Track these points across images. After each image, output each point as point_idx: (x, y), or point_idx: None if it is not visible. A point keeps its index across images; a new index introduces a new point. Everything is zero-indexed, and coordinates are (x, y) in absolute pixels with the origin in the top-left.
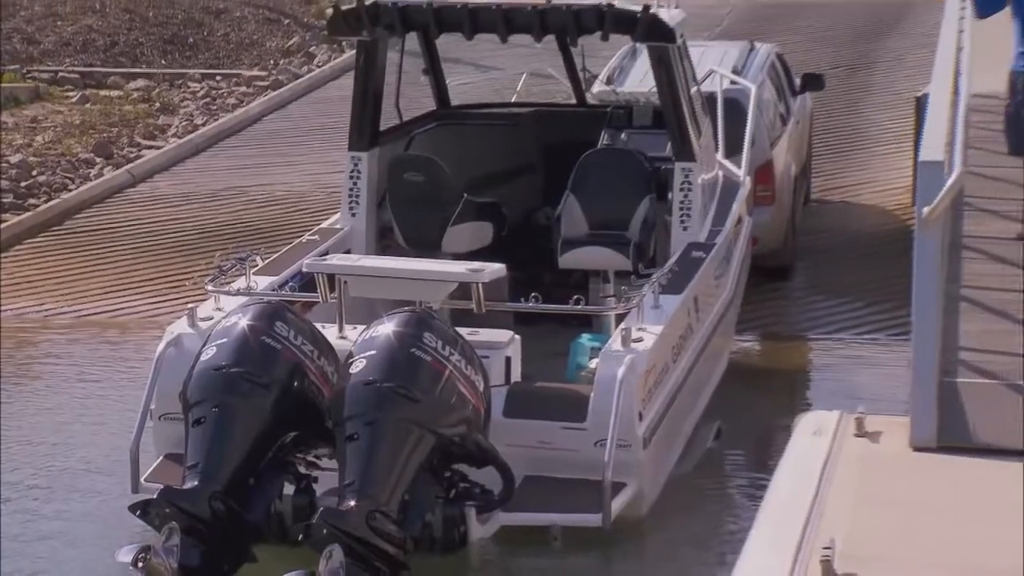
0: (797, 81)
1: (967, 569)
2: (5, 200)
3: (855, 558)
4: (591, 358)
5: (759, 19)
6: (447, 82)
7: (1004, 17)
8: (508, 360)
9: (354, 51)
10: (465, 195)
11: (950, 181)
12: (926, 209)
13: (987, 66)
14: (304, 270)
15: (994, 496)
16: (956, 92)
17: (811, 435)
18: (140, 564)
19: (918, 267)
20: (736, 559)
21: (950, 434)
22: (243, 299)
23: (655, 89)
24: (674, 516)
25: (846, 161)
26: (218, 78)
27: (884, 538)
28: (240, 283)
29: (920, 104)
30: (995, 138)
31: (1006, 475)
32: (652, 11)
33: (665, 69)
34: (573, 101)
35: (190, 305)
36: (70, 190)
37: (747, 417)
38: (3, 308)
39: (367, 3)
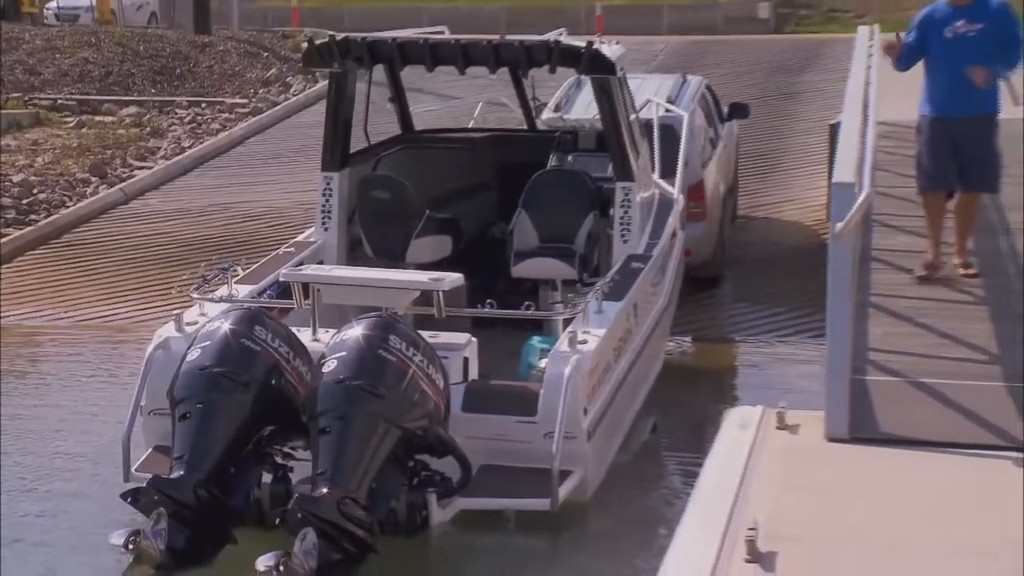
0: (725, 109)
1: (877, 548)
2: (8, 216)
3: (776, 538)
4: (541, 358)
5: (690, 54)
6: (411, 109)
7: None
8: (466, 360)
9: (327, 81)
10: (427, 211)
11: (860, 200)
12: (839, 225)
13: (894, 92)
14: (281, 279)
15: (901, 482)
16: (865, 120)
17: (737, 428)
18: (131, 546)
19: (832, 276)
20: (671, 538)
21: (861, 426)
22: (225, 305)
23: (598, 116)
24: (615, 500)
25: (769, 182)
26: (203, 105)
27: (802, 520)
28: (223, 291)
29: (833, 131)
30: (900, 161)
31: (912, 463)
32: (595, 46)
33: (607, 98)
34: (524, 127)
35: (177, 311)
36: (68, 207)
37: (680, 411)
38: (6, 314)
39: (338, 38)
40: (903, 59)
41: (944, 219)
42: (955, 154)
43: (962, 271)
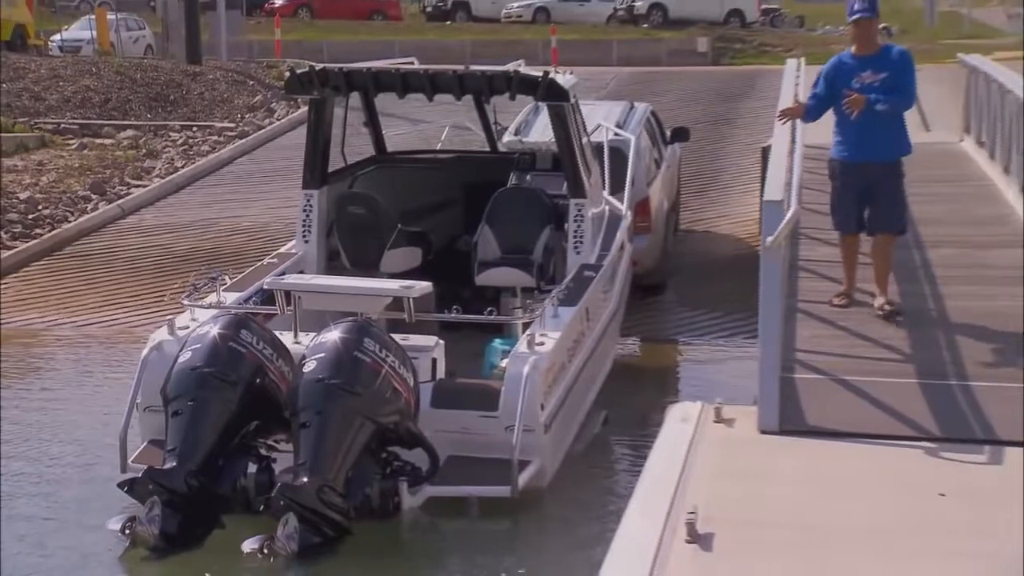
0: (668, 133)
1: (804, 528)
2: (15, 230)
3: (714, 520)
4: (502, 358)
5: (637, 83)
6: (384, 132)
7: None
8: (434, 361)
9: (307, 107)
10: (399, 225)
11: (788, 216)
12: (769, 238)
13: (818, 124)
14: (265, 287)
15: (825, 469)
16: (793, 144)
17: (679, 421)
18: (127, 531)
19: (763, 284)
20: (619, 521)
21: (790, 420)
22: (214, 311)
23: (554, 139)
24: (569, 487)
25: (707, 199)
26: (194, 129)
27: (737, 504)
28: (211, 298)
29: (765, 153)
30: (824, 181)
31: (835, 452)
32: (551, 76)
33: (561, 123)
34: (487, 149)
35: (169, 316)
36: (70, 221)
37: (628, 406)
38: (14, 319)
39: (318, 68)
40: (810, 111)
41: (857, 255)
42: (866, 198)
43: (887, 307)
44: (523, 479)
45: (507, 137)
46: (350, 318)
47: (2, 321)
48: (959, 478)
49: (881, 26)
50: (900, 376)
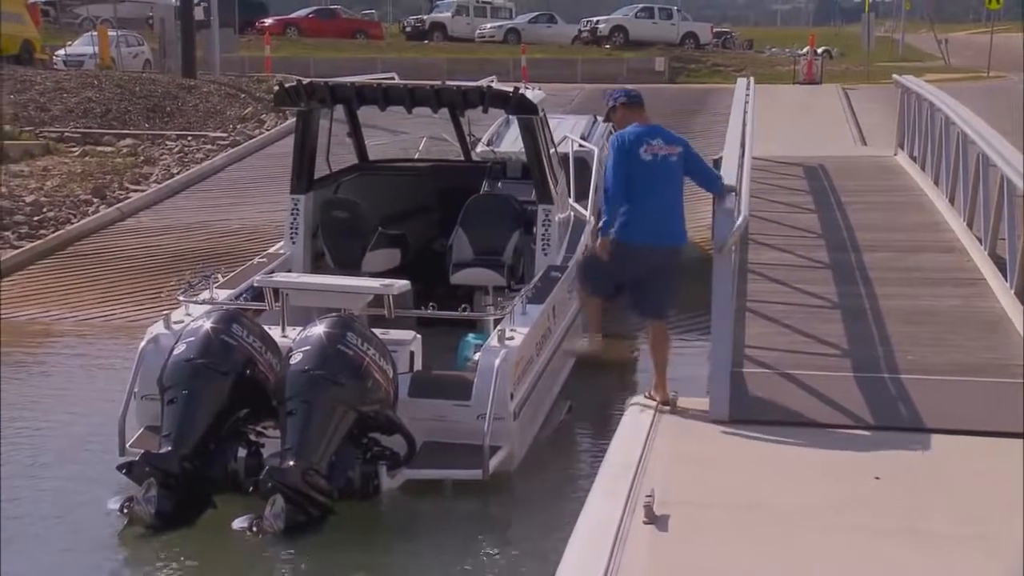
0: None
1: (751, 508)
2: (21, 230)
3: (669, 503)
4: (475, 352)
5: (600, 99)
6: (366, 142)
7: (781, 108)
8: (412, 354)
9: (295, 119)
10: (379, 228)
11: (738, 222)
12: (721, 243)
13: (765, 133)
14: (255, 285)
15: (770, 455)
16: (742, 156)
17: (638, 411)
18: (125, 510)
19: (715, 285)
20: (582, 503)
21: (739, 410)
22: (207, 307)
23: (523, 149)
24: (536, 471)
25: None
26: (189, 138)
27: (690, 488)
28: (205, 295)
29: (716, 165)
30: (770, 190)
31: (779, 440)
32: (521, 91)
33: (530, 135)
34: (461, 158)
35: (166, 311)
36: (73, 223)
37: (591, 397)
38: (20, 313)
39: (305, 82)
40: (618, 195)
41: (601, 310)
42: (635, 280)
43: (665, 407)
44: (493, 463)
45: (480, 147)
46: (334, 314)
47: (8, 316)
48: (892, 462)
49: (822, 49)
50: (838, 370)
